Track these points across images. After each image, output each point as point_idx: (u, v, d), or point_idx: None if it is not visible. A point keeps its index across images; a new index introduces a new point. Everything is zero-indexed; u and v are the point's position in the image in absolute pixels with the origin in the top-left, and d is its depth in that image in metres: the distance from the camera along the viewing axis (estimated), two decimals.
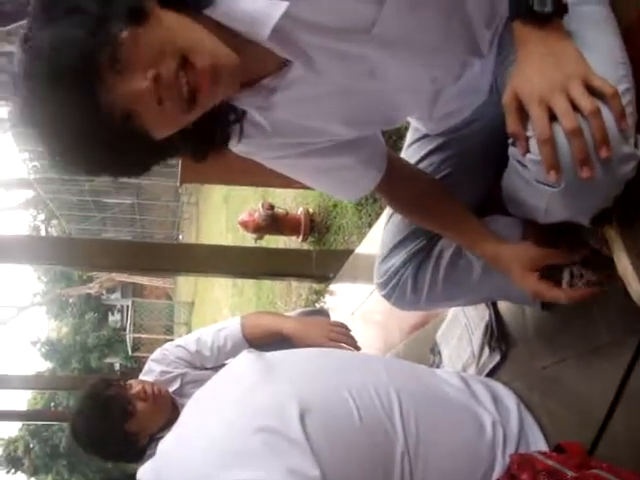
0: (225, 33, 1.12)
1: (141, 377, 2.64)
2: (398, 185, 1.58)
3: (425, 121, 1.63)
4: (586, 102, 1.06)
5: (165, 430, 2.42)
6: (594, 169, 1.07)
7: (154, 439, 2.45)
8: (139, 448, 2.43)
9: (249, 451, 1.25)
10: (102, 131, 1.04)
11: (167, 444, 1.39)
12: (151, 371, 2.63)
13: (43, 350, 27.53)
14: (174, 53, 1.04)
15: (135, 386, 2.46)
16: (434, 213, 1.59)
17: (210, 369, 2.60)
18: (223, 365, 2.53)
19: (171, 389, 2.56)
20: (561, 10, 1.13)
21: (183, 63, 1.04)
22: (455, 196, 1.57)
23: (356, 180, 1.54)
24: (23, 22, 1.09)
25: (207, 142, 1.27)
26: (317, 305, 4.64)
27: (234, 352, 2.46)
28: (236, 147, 1.36)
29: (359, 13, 1.17)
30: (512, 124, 1.13)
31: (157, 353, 2.67)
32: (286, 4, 1.09)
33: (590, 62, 1.12)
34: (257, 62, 1.20)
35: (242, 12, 1.11)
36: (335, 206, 5.48)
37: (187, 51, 1.04)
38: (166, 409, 2.48)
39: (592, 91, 1.07)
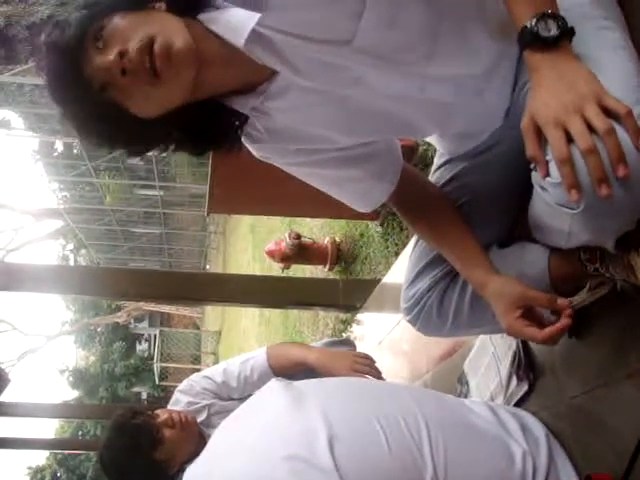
0: (215, 39, 1.25)
1: (169, 407, 2.65)
2: (409, 199, 1.62)
3: (444, 140, 1.66)
4: (600, 122, 1.07)
5: (193, 460, 2.41)
6: (612, 187, 1.07)
7: (182, 469, 2.45)
8: (167, 477, 2.43)
9: (278, 479, 1.25)
10: (83, 98, 1.22)
11: (195, 471, 1.39)
12: (178, 402, 2.64)
13: (71, 379, 27.62)
14: (143, 35, 1.18)
15: (162, 415, 2.46)
16: (435, 229, 1.61)
17: (237, 400, 2.60)
18: (249, 396, 2.53)
19: (198, 420, 2.56)
20: (567, 33, 1.15)
21: (150, 43, 1.18)
22: (461, 218, 1.58)
23: (367, 192, 1.59)
24: None
25: (201, 138, 1.40)
26: (344, 335, 4.63)
27: (260, 382, 2.45)
28: (255, 152, 1.47)
29: (337, 26, 1.25)
30: (530, 148, 1.15)
31: (184, 384, 2.68)
32: (259, 15, 1.20)
33: (606, 85, 1.14)
34: (251, 68, 1.30)
35: (225, 20, 1.24)
36: (362, 235, 5.49)
37: (154, 34, 1.19)
38: (194, 437, 2.47)
39: (606, 111, 1.08)
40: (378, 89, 1.36)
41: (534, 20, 1.14)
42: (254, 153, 1.49)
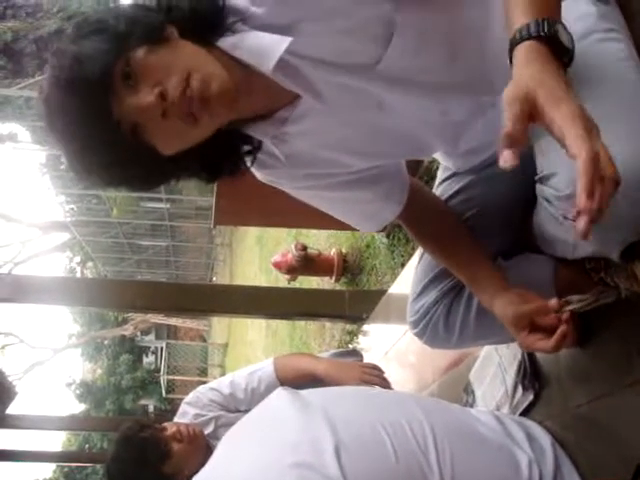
0: (237, 65, 1.20)
1: (176, 419, 2.65)
2: (417, 215, 1.62)
3: (452, 157, 1.66)
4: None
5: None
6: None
7: None
8: None
9: None
10: (112, 141, 1.11)
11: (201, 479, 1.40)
12: (185, 414, 2.64)
13: (77, 392, 27.62)
14: (180, 72, 1.11)
15: (170, 428, 2.46)
16: (444, 248, 1.62)
17: (244, 411, 2.59)
18: None
19: (205, 432, 2.56)
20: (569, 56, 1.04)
21: (187, 81, 1.11)
22: (471, 236, 1.59)
23: (375, 213, 1.59)
24: None
25: (217, 167, 1.34)
26: (350, 346, 4.63)
27: (268, 394, 2.44)
28: (261, 176, 1.44)
29: (363, 53, 1.23)
30: (512, 124, 0.97)
31: (191, 396, 2.68)
32: (289, 39, 1.15)
33: (612, 98, 1.14)
34: (271, 95, 1.26)
35: (249, 45, 1.18)
36: (368, 247, 5.49)
37: (190, 71, 1.11)
38: (202, 450, 2.47)
39: None
40: (397, 112, 1.36)
41: (545, 21, 1.02)
42: (259, 177, 1.46)
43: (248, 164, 1.38)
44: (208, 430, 2.57)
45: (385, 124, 1.39)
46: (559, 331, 1.35)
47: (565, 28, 1.03)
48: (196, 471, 2.39)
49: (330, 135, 1.38)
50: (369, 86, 1.29)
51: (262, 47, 1.17)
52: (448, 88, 1.35)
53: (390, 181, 1.55)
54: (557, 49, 1.02)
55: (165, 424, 2.51)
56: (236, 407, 2.62)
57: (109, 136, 1.11)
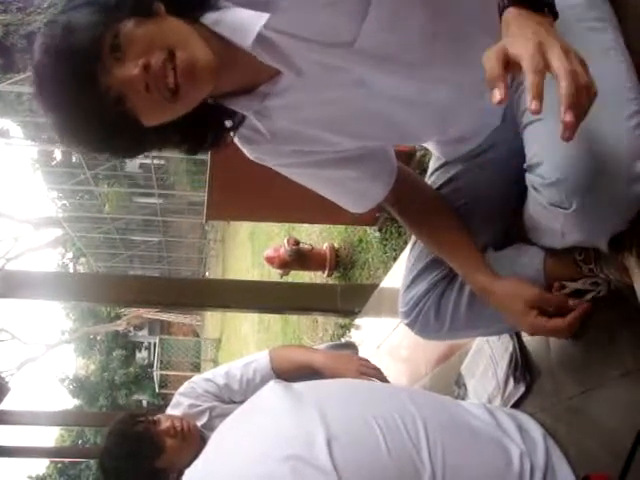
0: (219, 41, 1.22)
1: (169, 410, 2.63)
2: (405, 200, 1.63)
3: (440, 145, 1.67)
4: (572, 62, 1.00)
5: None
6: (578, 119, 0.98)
7: (182, 473, 2.44)
8: None
9: (277, 478, 1.26)
10: (98, 110, 1.15)
11: (194, 472, 1.40)
12: (179, 404, 2.63)
13: (71, 387, 27.61)
14: (163, 47, 1.15)
15: (164, 422, 2.45)
16: (435, 232, 1.62)
17: (238, 403, 2.59)
18: None
19: (199, 423, 2.55)
20: (552, 8, 1.10)
21: (171, 57, 1.15)
22: (461, 222, 1.60)
23: (362, 193, 1.60)
24: None
25: (198, 140, 1.38)
26: (342, 340, 4.64)
27: (263, 385, 2.45)
28: (248, 152, 1.46)
29: (339, 28, 1.24)
30: (492, 69, 1.02)
31: (185, 386, 2.67)
32: (267, 15, 1.18)
33: (597, 86, 1.14)
34: (253, 70, 1.29)
35: (229, 21, 1.21)
36: (360, 241, 5.50)
37: (174, 46, 1.15)
38: (195, 444, 2.45)
39: None
40: (378, 91, 1.36)
41: None
42: (247, 154, 1.48)
43: (233, 139, 1.43)
44: (202, 421, 2.56)
45: (367, 105, 1.39)
46: (580, 310, 1.41)
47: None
48: (189, 464, 2.42)
49: (311, 112, 1.39)
50: (348, 64, 1.30)
51: (241, 23, 1.20)
52: (429, 67, 1.35)
53: (377, 162, 1.56)
54: (537, 6, 1.09)
55: (159, 416, 2.49)
56: (230, 398, 2.61)
57: (95, 105, 1.15)
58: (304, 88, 1.33)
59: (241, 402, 2.57)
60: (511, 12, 1.09)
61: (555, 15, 1.10)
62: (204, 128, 1.36)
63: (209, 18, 1.22)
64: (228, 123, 1.40)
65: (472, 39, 1.33)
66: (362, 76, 1.33)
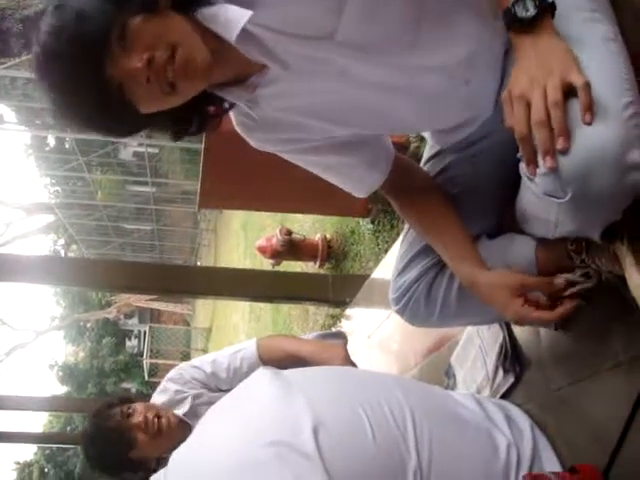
0: (212, 36, 1.28)
1: (155, 395, 2.64)
2: (401, 188, 1.64)
3: (434, 134, 1.68)
4: (551, 95, 1.14)
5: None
6: (555, 161, 1.14)
7: (164, 460, 2.46)
8: (149, 470, 2.43)
9: (261, 463, 1.26)
10: (99, 93, 1.22)
11: (180, 456, 1.40)
12: (166, 390, 2.62)
13: (60, 374, 27.57)
14: (166, 44, 1.22)
15: (137, 415, 2.44)
16: (427, 222, 1.63)
17: (225, 391, 2.59)
18: None
19: (182, 410, 2.54)
20: (546, 9, 1.20)
21: (172, 54, 1.22)
22: (455, 212, 1.60)
23: (358, 179, 1.62)
24: None
25: (184, 125, 1.44)
26: (334, 329, 4.64)
27: (249, 374, 2.46)
28: (250, 140, 1.52)
29: (320, 22, 1.29)
30: (508, 117, 1.21)
31: (173, 372, 2.67)
32: (250, 13, 1.24)
33: (594, 77, 1.16)
34: (243, 62, 1.34)
35: (217, 17, 1.28)
36: (353, 232, 5.50)
37: (176, 44, 1.22)
38: (171, 437, 2.45)
39: (570, 86, 1.15)
40: (363, 80, 1.38)
41: (512, 2, 1.20)
42: (251, 143, 1.53)
43: (220, 126, 1.49)
44: (185, 408, 2.55)
45: (353, 94, 1.41)
46: (569, 304, 1.41)
47: None
48: (170, 451, 2.43)
49: (299, 101, 1.43)
50: (331, 55, 1.33)
51: (227, 19, 1.26)
52: (413, 55, 1.36)
53: (371, 150, 1.57)
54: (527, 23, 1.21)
55: (135, 406, 2.48)
56: (217, 386, 2.61)
57: (98, 89, 1.21)
58: (291, 79, 1.37)
59: (227, 391, 2.58)
60: (513, 37, 1.23)
61: (550, 11, 1.21)
62: (190, 113, 1.41)
63: (202, 13, 1.29)
64: (215, 109, 1.45)
65: (456, 21, 1.35)
66: (346, 66, 1.35)
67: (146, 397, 2.65)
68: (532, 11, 1.18)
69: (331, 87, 1.39)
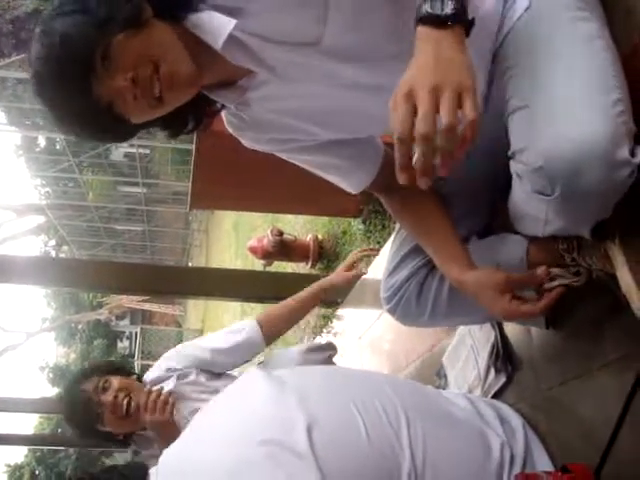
0: (199, 42, 1.29)
1: (149, 372, 2.73)
2: (391, 188, 1.62)
3: None
4: (448, 113, 1.01)
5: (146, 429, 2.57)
6: (430, 181, 1.06)
7: (132, 435, 2.63)
8: (121, 440, 2.63)
9: (253, 462, 1.26)
10: (91, 112, 1.26)
11: (171, 456, 1.39)
12: (158, 367, 2.71)
13: (51, 376, 27.49)
14: (149, 60, 1.25)
15: (111, 391, 2.50)
16: (417, 221, 1.62)
17: (217, 375, 2.71)
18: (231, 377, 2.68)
19: (168, 387, 2.60)
20: (461, 18, 1.08)
21: (156, 69, 1.25)
22: (445, 212, 1.59)
23: (346, 179, 1.63)
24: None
25: (180, 124, 1.47)
26: (325, 330, 4.63)
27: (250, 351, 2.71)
28: (241, 140, 1.54)
29: (304, 31, 1.29)
30: (391, 113, 1.07)
31: (171, 351, 2.80)
32: (234, 22, 1.25)
33: (582, 75, 1.17)
34: (232, 66, 1.35)
35: (204, 25, 1.29)
36: (344, 233, 5.50)
37: (158, 59, 1.25)
38: (138, 419, 2.52)
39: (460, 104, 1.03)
40: (351, 84, 1.38)
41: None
42: (242, 141, 1.54)
43: (212, 123, 1.51)
44: (170, 385, 2.61)
45: (343, 97, 1.41)
46: (554, 293, 1.39)
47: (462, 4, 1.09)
48: (141, 429, 2.56)
49: (287, 104, 1.44)
50: (317, 61, 1.34)
51: (213, 27, 1.27)
52: (400, 60, 1.35)
53: (360, 149, 1.58)
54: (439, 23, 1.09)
55: (112, 380, 2.53)
56: (211, 369, 2.70)
57: (90, 108, 1.25)
58: (279, 82, 1.38)
59: (219, 375, 2.69)
60: (418, 29, 1.11)
61: (465, 23, 1.09)
62: (186, 114, 1.44)
63: (189, 21, 1.30)
64: (210, 109, 1.47)
65: None
66: (333, 71, 1.35)
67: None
68: (448, 10, 1.07)
69: (319, 91, 1.40)
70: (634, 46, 1.31)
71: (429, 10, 1.08)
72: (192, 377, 2.62)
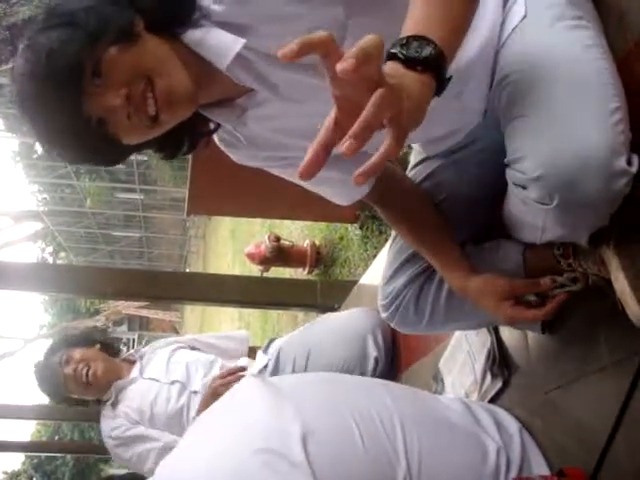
0: (198, 59, 1.26)
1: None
2: (387, 197, 1.63)
3: (424, 143, 1.67)
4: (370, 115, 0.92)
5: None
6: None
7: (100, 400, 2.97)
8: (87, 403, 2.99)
9: (249, 472, 1.25)
10: (81, 131, 1.20)
11: (167, 468, 1.39)
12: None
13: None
14: (143, 75, 1.19)
15: (72, 363, 2.86)
16: (414, 229, 1.62)
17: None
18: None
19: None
20: (431, 66, 0.97)
21: (150, 85, 1.20)
22: (442, 219, 1.60)
23: (342, 191, 1.62)
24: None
25: (175, 146, 1.43)
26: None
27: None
28: (232, 156, 1.51)
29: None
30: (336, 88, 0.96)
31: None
32: (243, 41, 1.22)
33: (580, 84, 1.17)
34: (230, 84, 1.31)
35: (208, 43, 1.24)
36: (341, 238, 5.50)
37: (153, 74, 1.20)
38: (100, 385, 2.88)
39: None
40: None
41: (411, 39, 0.98)
42: (232, 157, 1.53)
43: (210, 142, 1.49)
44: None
45: None
46: (558, 299, 1.42)
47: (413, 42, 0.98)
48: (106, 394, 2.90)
49: (287, 122, 1.41)
50: (320, 81, 1.29)
51: (219, 46, 1.24)
52: None
53: (354, 164, 1.54)
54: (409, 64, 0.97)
55: (73, 353, 2.89)
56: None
57: (79, 128, 1.19)
58: (280, 102, 1.36)
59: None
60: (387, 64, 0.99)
61: (436, 74, 0.99)
62: (181, 135, 1.40)
63: (190, 37, 1.26)
64: (205, 129, 1.44)
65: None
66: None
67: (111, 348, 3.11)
68: (423, 54, 0.96)
69: (321, 110, 1.36)
70: (628, 51, 1.31)
71: (406, 54, 0.97)
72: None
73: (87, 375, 2.83)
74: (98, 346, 3.00)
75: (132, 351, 3.07)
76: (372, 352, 2.67)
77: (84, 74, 1.16)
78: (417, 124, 0.98)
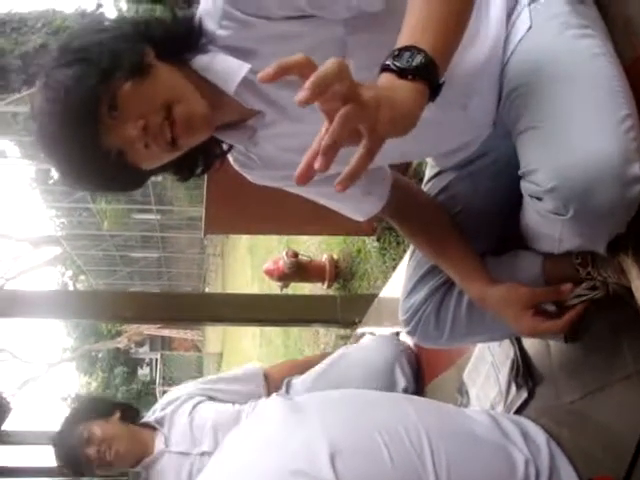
0: (207, 84, 1.29)
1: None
2: (402, 211, 1.64)
3: (436, 157, 1.68)
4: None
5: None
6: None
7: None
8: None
9: None
10: (100, 165, 1.23)
11: None
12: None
13: (73, 406, 27.51)
14: (161, 106, 1.22)
15: (94, 443, 2.63)
16: (431, 242, 1.63)
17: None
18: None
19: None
20: (423, 74, 1.01)
21: (167, 113, 1.22)
22: (459, 230, 1.60)
23: (358, 206, 1.63)
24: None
25: (190, 169, 1.45)
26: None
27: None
28: (248, 176, 1.54)
29: None
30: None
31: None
32: (249, 66, 1.25)
33: (589, 93, 1.16)
34: (240, 107, 1.34)
35: (215, 68, 1.28)
36: (359, 251, 5.49)
37: (170, 102, 1.22)
38: (124, 462, 2.69)
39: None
40: None
41: (403, 50, 1.03)
42: (248, 177, 1.54)
43: (223, 162, 1.50)
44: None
45: None
46: (576, 310, 1.42)
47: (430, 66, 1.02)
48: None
49: (297, 142, 1.38)
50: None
51: (225, 71, 1.27)
52: None
53: (367, 178, 1.56)
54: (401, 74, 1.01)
55: (94, 430, 2.66)
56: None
57: (99, 160, 1.22)
58: (289, 122, 1.38)
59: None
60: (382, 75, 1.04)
61: (427, 79, 1.02)
62: (195, 157, 1.42)
63: (198, 63, 1.29)
64: (218, 150, 1.46)
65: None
66: None
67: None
68: (414, 64, 1.00)
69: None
70: (636, 57, 1.31)
71: (397, 64, 1.01)
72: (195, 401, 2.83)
73: (110, 454, 2.66)
74: (118, 414, 2.80)
75: (149, 414, 2.84)
76: (401, 382, 2.67)
77: (101, 109, 1.19)
78: (406, 131, 1.02)
